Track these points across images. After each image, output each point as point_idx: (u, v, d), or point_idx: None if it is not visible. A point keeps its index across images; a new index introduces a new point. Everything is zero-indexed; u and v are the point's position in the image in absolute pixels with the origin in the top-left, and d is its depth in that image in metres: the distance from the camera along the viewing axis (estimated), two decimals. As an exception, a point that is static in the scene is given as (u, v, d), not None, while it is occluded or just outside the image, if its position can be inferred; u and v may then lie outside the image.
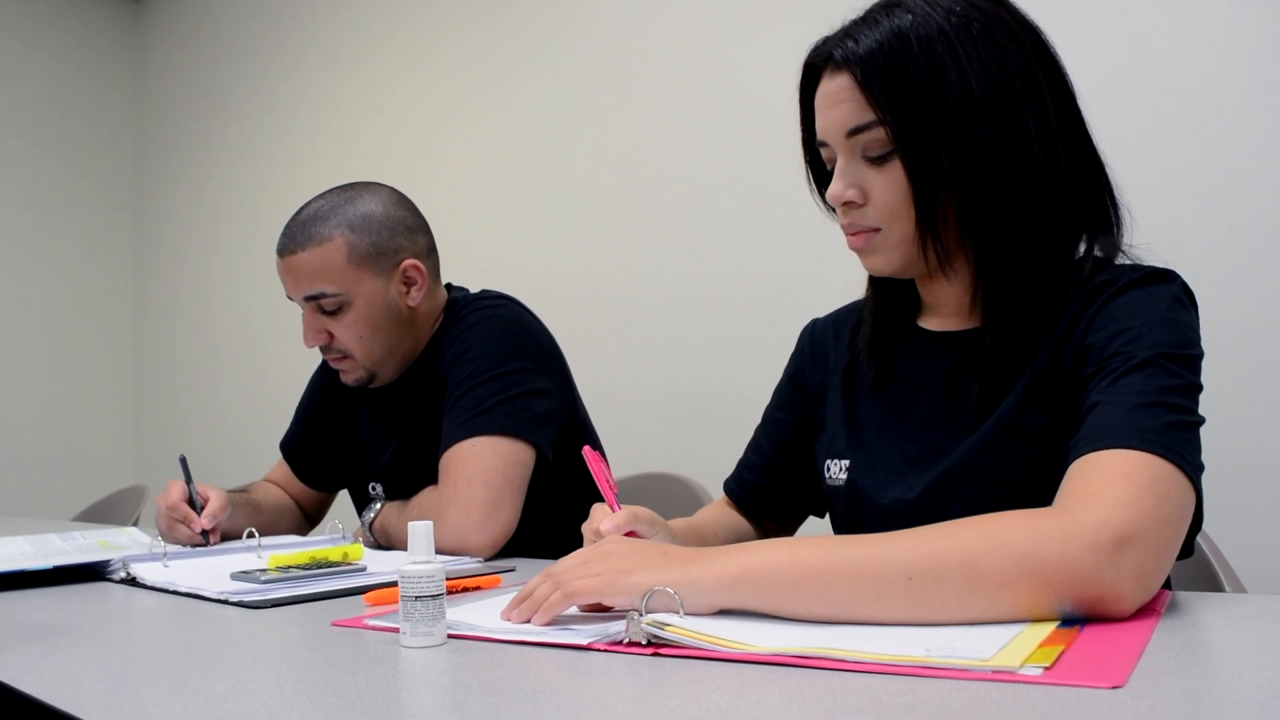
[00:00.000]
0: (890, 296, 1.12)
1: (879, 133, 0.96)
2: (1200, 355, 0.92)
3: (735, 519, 1.26)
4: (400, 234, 1.56)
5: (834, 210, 1.04)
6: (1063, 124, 0.98)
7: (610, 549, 0.86)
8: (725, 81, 2.48)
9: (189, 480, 1.57)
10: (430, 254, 1.61)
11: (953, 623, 0.76)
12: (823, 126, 1.01)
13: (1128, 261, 1.00)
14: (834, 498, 1.13)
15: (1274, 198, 1.70)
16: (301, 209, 1.55)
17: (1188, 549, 0.90)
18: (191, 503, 1.54)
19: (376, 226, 1.53)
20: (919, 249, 0.99)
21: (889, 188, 0.97)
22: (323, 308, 1.52)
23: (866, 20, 0.98)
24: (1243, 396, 1.69)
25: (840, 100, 0.98)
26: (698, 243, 2.52)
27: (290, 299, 1.56)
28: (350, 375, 1.59)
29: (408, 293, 1.56)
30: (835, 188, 1.00)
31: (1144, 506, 0.77)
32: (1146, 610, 0.79)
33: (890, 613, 0.77)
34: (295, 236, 1.52)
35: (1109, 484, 0.79)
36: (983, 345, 1.00)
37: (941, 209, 0.97)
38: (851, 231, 1.02)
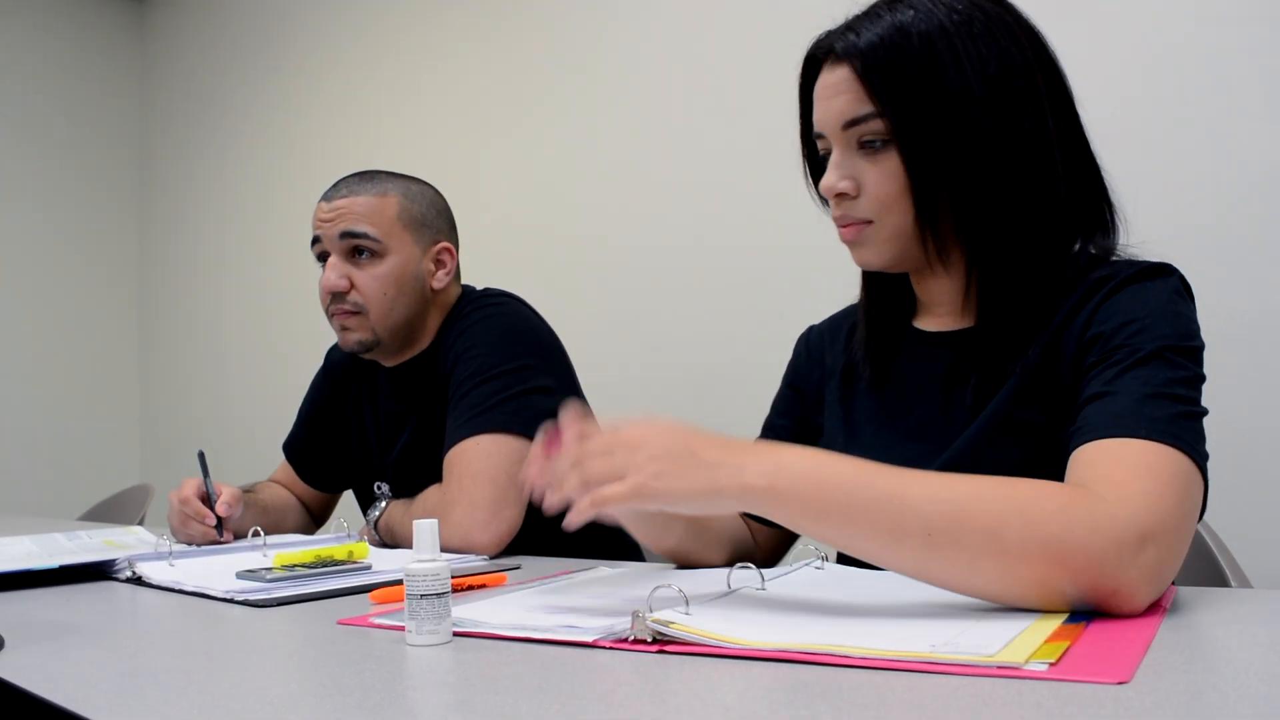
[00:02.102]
0: (883, 296, 1.12)
1: (877, 124, 0.96)
2: (1201, 347, 0.92)
3: (740, 521, 1.26)
4: (443, 219, 1.65)
5: (828, 203, 1.04)
6: (1060, 126, 0.98)
7: (640, 440, 0.84)
8: (734, 78, 2.47)
9: (206, 476, 1.57)
10: (457, 250, 1.66)
11: (961, 588, 0.76)
12: (820, 118, 1.01)
13: (1123, 257, 1.00)
14: None
15: (1273, 191, 1.70)
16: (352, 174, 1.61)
17: None
18: (207, 500, 1.54)
19: (426, 203, 1.61)
20: (916, 243, 0.99)
21: (883, 180, 0.97)
22: (358, 248, 1.54)
23: (869, 15, 0.99)
24: (1248, 391, 1.69)
25: (839, 92, 0.98)
26: (705, 239, 2.52)
27: (315, 247, 1.57)
28: (354, 335, 1.57)
29: (435, 273, 1.60)
30: (829, 178, 1.00)
31: (1167, 505, 0.78)
32: (1152, 606, 0.79)
33: (903, 563, 0.78)
34: (351, 184, 1.58)
35: (1137, 477, 0.79)
36: (977, 345, 1.00)
37: (938, 203, 0.97)
38: (843, 224, 1.02)
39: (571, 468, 0.85)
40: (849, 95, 0.97)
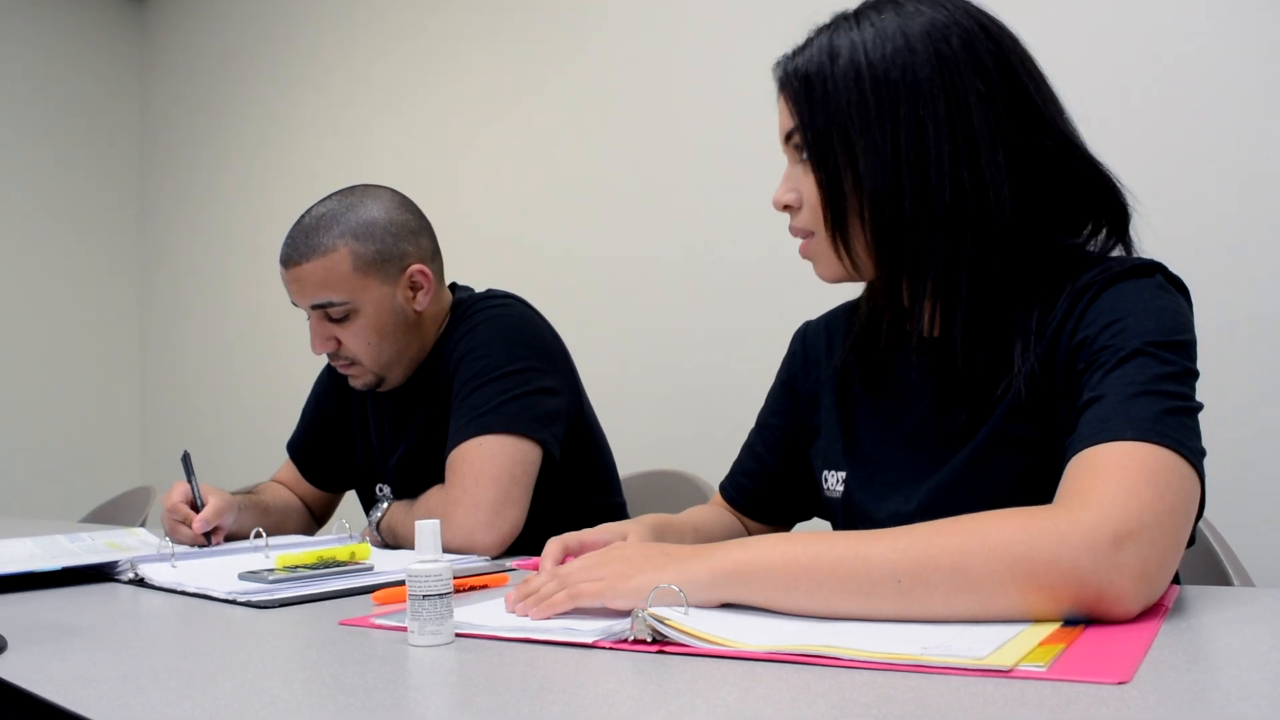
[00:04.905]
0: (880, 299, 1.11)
1: (798, 138, 1.00)
2: (1192, 340, 0.90)
3: (728, 520, 1.27)
4: (404, 239, 1.55)
5: None
6: (1002, 131, 0.95)
7: (617, 553, 0.89)
8: (738, 78, 2.47)
9: (190, 478, 1.57)
10: (435, 256, 1.61)
11: (947, 622, 0.76)
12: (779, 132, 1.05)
13: (1114, 258, 0.99)
14: (832, 509, 1.14)
15: (1273, 191, 1.70)
16: (303, 216, 1.55)
17: (1190, 538, 0.89)
18: (194, 503, 1.54)
19: (380, 233, 1.53)
20: (834, 253, 1.00)
21: (812, 190, 1.00)
22: (329, 316, 1.52)
23: (819, 31, 1.01)
24: (1250, 390, 1.69)
25: (782, 107, 1.02)
26: (706, 239, 2.52)
27: (295, 305, 1.56)
28: (359, 380, 1.59)
29: (414, 298, 1.56)
30: (776, 192, 1.03)
31: (1144, 500, 0.76)
32: (1154, 606, 0.78)
33: (882, 612, 0.77)
34: (299, 247, 1.51)
35: (1105, 479, 0.78)
36: (949, 354, 0.99)
37: (846, 213, 0.98)
38: (792, 235, 1.05)
39: (553, 579, 0.88)
40: (786, 110, 1.01)
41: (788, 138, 1.02)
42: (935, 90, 0.94)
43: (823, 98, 0.97)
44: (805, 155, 1.00)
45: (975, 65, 0.95)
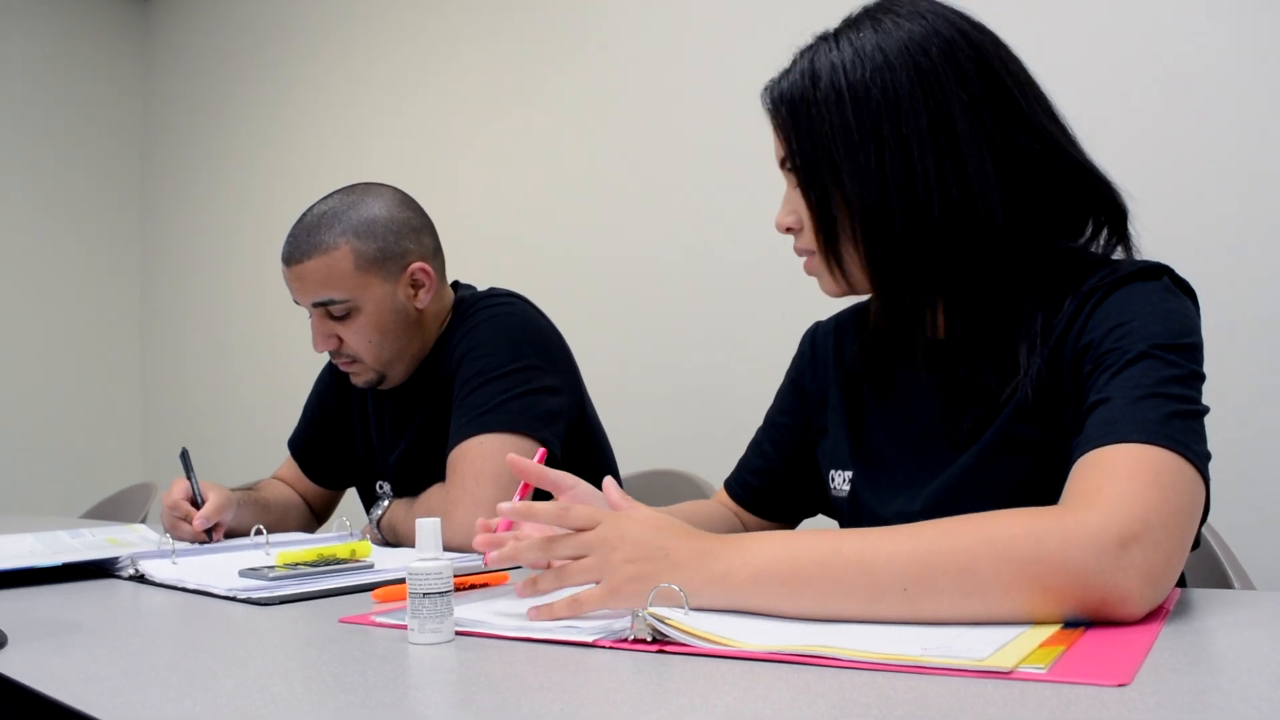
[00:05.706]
0: None
1: (790, 162, 1.01)
2: (1199, 343, 0.90)
3: (725, 516, 1.26)
4: (406, 237, 1.55)
5: None
6: (989, 138, 0.95)
7: (616, 539, 0.84)
8: (738, 78, 2.47)
9: (189, 474, 1.57)
10: (436, 254, 1.61)
11: (953, 624, 0.76)
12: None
13: (1122, 260, 0.99)
14: (839, 508, 1.14)
15: (1273, 191, 1.70)
16: (305, 214, 1.55)
17: (1194, 541, 0.89)
18: (194, 500, 1.54)
19: (382, 231, 1.53)
20: (828, 272, 1.01)
21: (806, 211, 1.01)
22: (331, 314, 1.52)
23: (803, 53, 1.01)
24: (1251, 392, 1.69)
25: (774, 131, 1.03)
26: (708, 238, 2.52)
27: (297, 303, 1.56)
28: (360, 378, 1.59)
29: (415, 295, 1.56)
30: (778, 215, 1.04)
31: (1150, 502, 0.76)
32: (1154, 609, 0.78)
33: (887, 616, 0.77)
34: (300, 245, 1.51)
35: (1112, 481, 0.78)
36: (954, 357, 0.99)
37: (837, 232, 0.99)
38: (796, 254, 1.06)
39: (546, 566, 0.87)
40: (777, 136, 1.02)
41: (783, 163, 1.02)
42: (917, 105, 0.94)
43: (806, 122, 0.98)
44: (797, 180, 1.01)
45: (956, 74, 0.95)
